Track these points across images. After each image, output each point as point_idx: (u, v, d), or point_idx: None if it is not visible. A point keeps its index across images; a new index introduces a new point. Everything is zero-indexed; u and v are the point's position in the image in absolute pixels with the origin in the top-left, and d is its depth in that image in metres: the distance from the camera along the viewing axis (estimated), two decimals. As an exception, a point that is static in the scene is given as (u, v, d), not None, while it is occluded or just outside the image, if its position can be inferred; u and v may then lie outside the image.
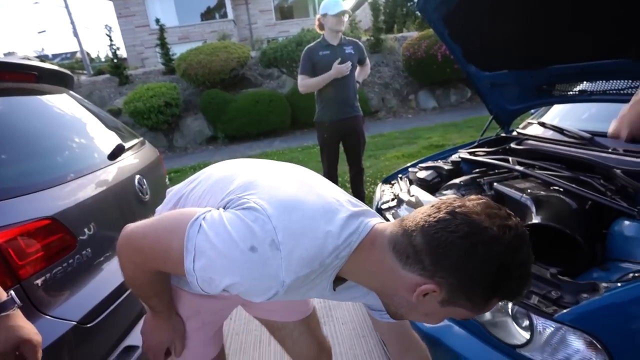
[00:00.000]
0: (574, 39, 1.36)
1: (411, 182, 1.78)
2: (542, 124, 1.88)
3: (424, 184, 1.71)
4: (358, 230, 0.60)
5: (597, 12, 1.18)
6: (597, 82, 1.48)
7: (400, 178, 1.88)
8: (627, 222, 1.03)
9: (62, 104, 1.45)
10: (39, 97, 1.36)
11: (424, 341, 0.98)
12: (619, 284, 0.87)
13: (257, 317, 1.03)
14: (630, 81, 1.34)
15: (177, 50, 10.82)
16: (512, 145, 1.79)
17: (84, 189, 1.16)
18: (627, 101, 1.42)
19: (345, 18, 2.46)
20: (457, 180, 1.55)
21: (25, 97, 1.29)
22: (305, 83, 2.54)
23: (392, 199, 1.68)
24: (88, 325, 0.98)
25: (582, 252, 1.04)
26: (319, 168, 2.80)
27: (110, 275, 1.14)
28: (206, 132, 7.69)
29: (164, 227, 0.61)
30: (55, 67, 1.50)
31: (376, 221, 0.63)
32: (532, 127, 1.96)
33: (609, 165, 1.29)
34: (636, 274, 0.91)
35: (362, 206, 0.68)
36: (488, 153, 1.81)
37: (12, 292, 0.68)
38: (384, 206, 1.64)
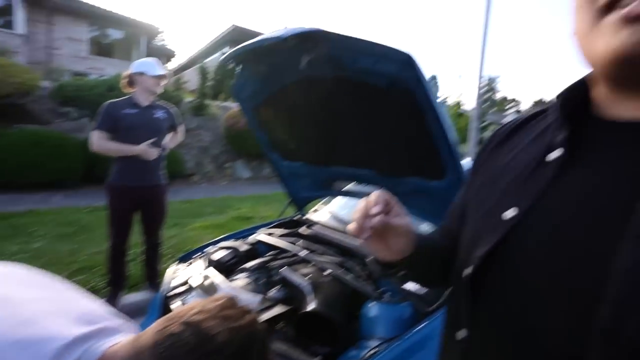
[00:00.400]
0: (346, 150, 1.73)
1: (208, 263, 1.72)
2: (326, 211, 2.23)
3: (220, 266, 1.68)
4: None
5: (359, 135, 1.57)
6: (361, 183, 1.91)
7: (198, 258, 1.79)
8: (370, 304, 1.27)
9: None
10: None
11: None
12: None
13: None
14: (378, 187, 1.78)
15: None
16: (302, 229, 2.02)
17: None
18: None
19: (163, 82, 2.37)
20: (248, 265, 1.60)
21: None
22: (102, 144, 2.21)
23: (183, 284, 1.55)
24: None
25: (340, 334, 1.21)
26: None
27: None
28: (-63, 171, 5.42)
29: None
30: None
31: (114, 341, 0.54)
32: (319, 213, 2.29)
33: (363, 254, 1.61)
34: (372, 351, 1.11)
35: (102, 322, 0.57)
36: (282, 235, 1.98)
37: None
38: (171, 293, 1.49)
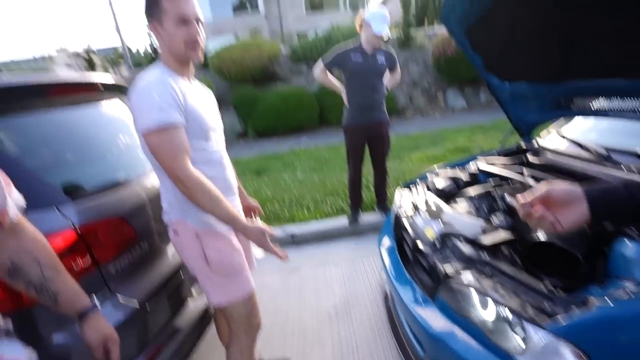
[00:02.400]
0: (589, 56, 1.40)
1: (429, 189, 1.88)
2: (561, 136, 1.90)
3: (441, 193, 1.80)
4: None
5: (609, 34, 1.23)
6: (614, 99, 1.51)
7: (419, 184, 1.97)
8: (627, 243, 1.09)
9: (121, 110, 1.65)
10: (102, 104, 1.56)
11: (429, 342, 1.10)
12: (609, 301, 0.95)
13: None
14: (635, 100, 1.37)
15: (211, 44, 11.22)
16: (530, 157, 1.83)
17: (143, 190, 1.37)
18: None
19: (385, 38, 2.54)
20: (471, 192, 1.64)
21: (92, 105, 1.49)
22: (322, 77, 2.73)
23: (410, 207, 1.78)
24: (145, 308, 1.18)
25: (581, 268, 1.12)
26: (346, 168, 2.94)
27: (161, 265, 1.34)
28: (237, 128, 7.98)
29: None
30: (115, 81, 1.69)
31: None
32: (550, 138, 1.99)
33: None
34: (628, 291, 0.98)
35: None
36: (505, 164, 1.87)
37: (95, 297, 0.85)
38: (402, 212, 1.75)
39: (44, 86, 1.28)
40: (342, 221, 3.05)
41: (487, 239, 1.28)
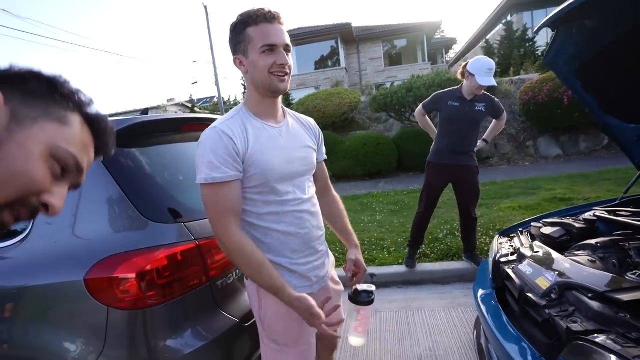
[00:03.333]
0: None
1: (533, 238, 1.70)
2: None
3: (549, 241, 1.62)
4: None
5: None
6: None
7: (521, 232, 1.80)
8: None
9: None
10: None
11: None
12: None
13: None
14: None
15: (296, 95, 12.61)
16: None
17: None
18: None
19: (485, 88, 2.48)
20: (593, 241, 1.44)
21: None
22: (420, 118, 2.76)
23: (512, 253, 1.63)
24: (245, 325, 1.23)
25: None
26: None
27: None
28: (315, 170, 8.31)
29: None
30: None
31: None
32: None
33: None
34: None
35: None
36: (634, 214, 1.62)
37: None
38: (503, 259, 1.60)
39: (181, 120, 1.52)
40: (424, 266, 2.89)
41: (626, 296, 1.09)
